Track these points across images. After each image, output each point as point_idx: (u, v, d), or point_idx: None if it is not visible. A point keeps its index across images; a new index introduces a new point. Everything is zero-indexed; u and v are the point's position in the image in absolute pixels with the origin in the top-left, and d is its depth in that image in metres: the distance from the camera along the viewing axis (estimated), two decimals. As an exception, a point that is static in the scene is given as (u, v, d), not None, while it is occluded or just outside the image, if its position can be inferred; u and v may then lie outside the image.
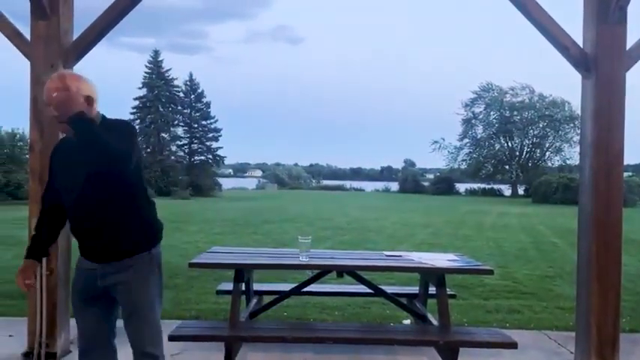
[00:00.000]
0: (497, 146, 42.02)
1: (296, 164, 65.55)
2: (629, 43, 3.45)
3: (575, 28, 3.56)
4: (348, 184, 51.62)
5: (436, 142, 43.00)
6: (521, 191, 38.80)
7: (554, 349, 4.00)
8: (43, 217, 2.38)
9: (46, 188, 2.39)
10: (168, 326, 2.63)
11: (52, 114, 2.13)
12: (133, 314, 2.26)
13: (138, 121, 33.90)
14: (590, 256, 3.48)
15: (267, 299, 4.07)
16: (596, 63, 3.42)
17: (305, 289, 3.92)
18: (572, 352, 3.75)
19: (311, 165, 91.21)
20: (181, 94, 36.41)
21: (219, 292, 4.24)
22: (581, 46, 3.53)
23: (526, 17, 3.49)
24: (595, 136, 3.46)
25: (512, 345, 3.29)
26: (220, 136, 36.95)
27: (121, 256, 2.23)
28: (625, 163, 3.53)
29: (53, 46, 3.52)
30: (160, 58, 35.27)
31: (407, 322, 4.48)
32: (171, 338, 3.16)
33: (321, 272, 3.70)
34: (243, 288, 3.77)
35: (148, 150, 33.23)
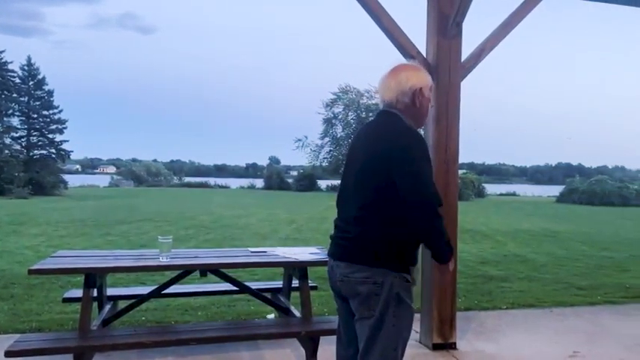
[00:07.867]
0: (355, 145, 44.68)
1: (155, 160, 61.76)
2: (464, 55, 3.93)
3: (420, 39, 3.95)
4: (212, 180, 50.36)
5: (299, 140, 44.07)
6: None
7: (403, 330, 4.40)
8: None
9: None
10: (4, 341, 2.32)
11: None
12: None
13: (-39, 108, 29.07)
14: (433, 244, 3.90)
15: (123, 305, 3.81)
16: (437, 72, 3.83)
17: (166, 291, 3.76)
18: (417, 332, 4.17)
19: (172, 161, 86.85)
20: (17, 80, 32.04)
21: (67, 300, 3.87)
22: (425, 56, 3.93)
23: (379, 26, 3.77)
24: (436, 137, 3.88)
25: (368, 330, 3.55)
26: (65, 128, 33.20)
27: None
28: (460, 161, 4.03)
29: None
30: (-11, 38, 30.60)
31: (271, 316, 4.55)
32: (8, 354, 2.80)
33: (183, 272, 3.58)
34: (95, 294, 3.49)
35: (-25, 142, 28.70)
